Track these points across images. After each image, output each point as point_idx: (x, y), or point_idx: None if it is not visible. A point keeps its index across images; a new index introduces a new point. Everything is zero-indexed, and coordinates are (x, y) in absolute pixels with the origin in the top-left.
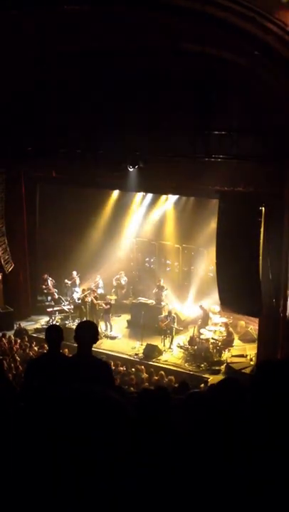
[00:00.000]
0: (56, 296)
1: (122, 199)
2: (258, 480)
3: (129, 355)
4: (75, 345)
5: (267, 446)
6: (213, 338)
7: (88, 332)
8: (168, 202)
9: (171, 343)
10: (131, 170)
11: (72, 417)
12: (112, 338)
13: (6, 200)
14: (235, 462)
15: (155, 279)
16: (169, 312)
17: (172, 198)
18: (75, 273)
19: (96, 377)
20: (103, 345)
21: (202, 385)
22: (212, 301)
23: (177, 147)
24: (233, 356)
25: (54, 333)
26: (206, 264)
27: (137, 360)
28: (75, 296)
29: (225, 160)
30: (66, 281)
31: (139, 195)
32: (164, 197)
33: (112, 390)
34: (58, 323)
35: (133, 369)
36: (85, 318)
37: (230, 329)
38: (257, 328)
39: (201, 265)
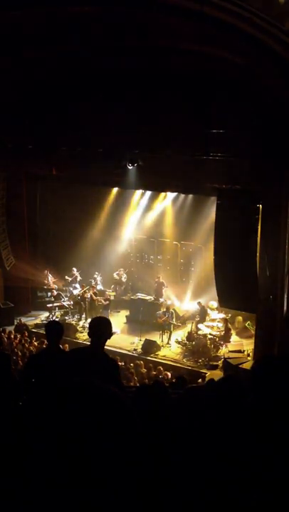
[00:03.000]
0: (56, 293)
1: (122, 196)
2: (258, 473)
3: (128, 351)
4: (74, 340)
5: (267, 440)
6: (210, 334)
7: (103, 328)
8: (166, 199)
9: (169, 338)
10: (130, 168)
11: (71, 410)
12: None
13: (7, 198)
14: (234, 456)
15: (154, 276)
16: (168, 308)
17: (171, 196)
18: (75, 269)
19: (102, 373)
20: None
21: (200, 380)
22: (210, 298)
23: (176, 145)
24: (230, 352)
25: (54, 328)
26: (204, 260)
27: (136, 355)
28: (75, 292)
29: (223, 158)
30: (66, 277)
31: (138, 192)
32: (162, 194)
33: (112, 384)
34: (57, 319)
35: (132, 364)
36: (84, 314)
37: (228, 325)
38: (254, 323)
39: (199, 262)
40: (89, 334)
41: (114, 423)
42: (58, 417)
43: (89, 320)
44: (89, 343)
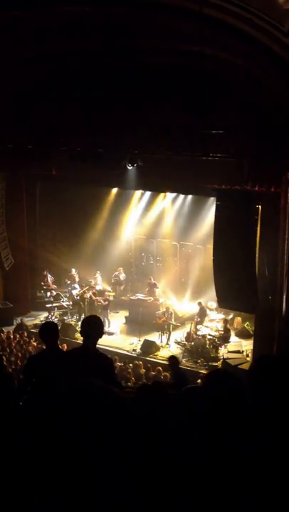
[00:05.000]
0: (55, 293)
1: (121, 197)
2: (257, 472)
3: (127, 351)
4: (74, 340)
5: (265, 439)
6: (210, 334)
7: (94, 327)
8: (166, 200)
9: (168, 339)
10: (130, 168)
11: (72, 410)
12: (110, 334)
13: (7, 198)
14: (233, 455)
15: (152, 277)
16: (167, 308)
17: (170, 196)
18: (74, 270)
19: (98, 370)
20: (101, 341)
21: (199, 381)
22: (209, 298)
23: (175, 146)
24: (229, 352)
25: (49, 330)
26: (203, 261)
27: (135, 355)
28: (74, 292)
29: (222, 158)
30: (66, 280)
31: (138, 193)
32: (162, 195)
33: (112, 384)
34: (56, 319)
35: (131, 364)
36: (83, 315)
37: (228, 325)
38: (253, 324)
39: (198, 262)
40: (81, 333)
41: (115, 423)
42: (58, 417)
43: None
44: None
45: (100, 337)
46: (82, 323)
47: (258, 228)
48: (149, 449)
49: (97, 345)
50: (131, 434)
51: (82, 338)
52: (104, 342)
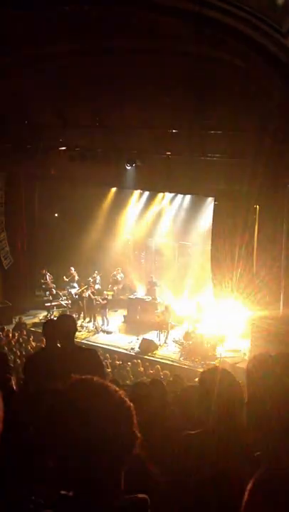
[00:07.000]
0: (54, 292)
1: (120, 197)
2: (256, 469)
3: (126, 350)
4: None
5: (263, 436)
6: (207, 333)
7: (68, 324)
8: (165, 200)
9: (166, 337)
10: (128, 168)
11: (72, 409)
12: (109, 332)
13: (6, 197)
14: (231, 453)
15: (151, 276)
16: (165, 307)
17: (169, 196)
18: (73, 269)
19: (87, 365)
20: (100, 340)
21: (196, 379)
22: (207, 297)
23: (174, 146)
24: (227, 351)
25: (52, 327)
26: (202, 260)
27: (133, 354)
28: (73, 291)
29: (221, 159)
30: (65, 278)
31: (137, 192)
32: (160, 195)
33: (110, 382)
34: (55, 318)
35: (129, 363)
36: (82, 313)
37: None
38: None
39: (196, 262)
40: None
41: (113, 420)
42: (57, 415)
43: (87, 319)
44: (88, 341)
45: (75, 332)
46: (44, 326)
47: (256, 228)
48: (147, 446)
49: (97, 344)
50: (128, 432)
51: (80, 337)
52: (103, 341)
